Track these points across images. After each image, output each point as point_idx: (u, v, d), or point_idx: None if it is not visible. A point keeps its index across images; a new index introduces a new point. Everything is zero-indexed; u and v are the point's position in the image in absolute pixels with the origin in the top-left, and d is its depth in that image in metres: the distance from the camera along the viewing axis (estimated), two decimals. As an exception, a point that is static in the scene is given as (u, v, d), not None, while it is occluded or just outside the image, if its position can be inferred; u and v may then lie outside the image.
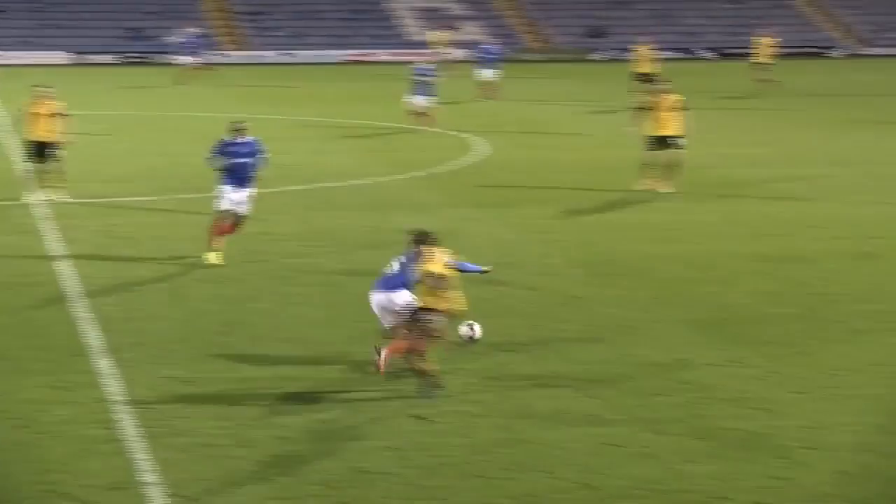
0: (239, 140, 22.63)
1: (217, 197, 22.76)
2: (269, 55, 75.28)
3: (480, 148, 38.22)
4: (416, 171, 33.61)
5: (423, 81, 41.69)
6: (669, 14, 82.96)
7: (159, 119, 46.06)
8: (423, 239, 16.28)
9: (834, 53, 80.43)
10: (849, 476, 13.51)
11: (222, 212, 22.59)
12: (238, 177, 22.47)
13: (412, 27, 79.44)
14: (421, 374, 15.85)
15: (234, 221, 22.70)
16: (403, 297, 16.38)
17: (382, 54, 74.47)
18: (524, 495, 13.04)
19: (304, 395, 15.57)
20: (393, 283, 16.50)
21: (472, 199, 29.40)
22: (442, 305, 15.91)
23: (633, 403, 15.66)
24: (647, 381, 16.52)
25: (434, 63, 44.62)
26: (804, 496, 13.05)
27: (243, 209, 22.69)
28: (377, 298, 16.57)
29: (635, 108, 30.05)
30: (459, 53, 70.73)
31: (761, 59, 55.22)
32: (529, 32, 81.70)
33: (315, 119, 45.30)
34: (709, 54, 78.84)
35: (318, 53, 75.54)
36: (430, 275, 15.88)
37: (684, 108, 29.66)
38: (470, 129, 42.23)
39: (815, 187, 31.33)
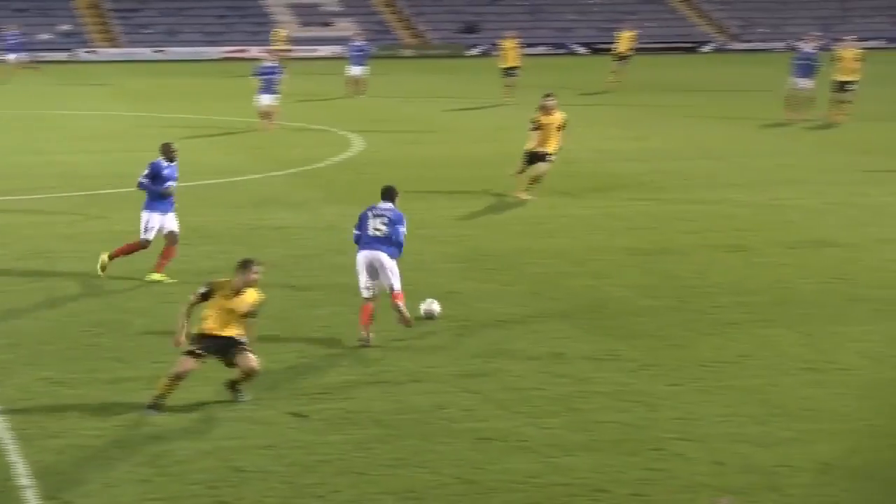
0: (173, 164, 21.91)
1: (146, 227, 21.51)
2: (143, 52, 74.44)
3: (356, 144, 38.16)
4: (291, 167, 33.46)
5: (269, 80, 41.11)
6: (543, 9, 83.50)
7: (28, 117, 45.31)
8: (247, 265, 15.67)
9: (706, 48, 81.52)
10: (724, 466, 13.71)
11: (148, 241, 21.54)
12: (168, 201, 21.68)
13: (288, 24, 79.06)
14: (239, 382, 15.54)
15: (171, 242, 21.65)
16: (394, 262, 18.08)
17: (258, 51, 73.95)
18: (404, 491, 13.05)
19: (181, 395, 15.40)
20: (384, 245, 18.06)
21: (348, 196, 29.33)
22: (250, 333, 15.54)
23: (510, 398, 15.74)
24: (524, 375, 16.63)
25: (278, 61, 44.15)
26: (680, 487, 13.22)
27: (174, 226, 21.77)
28: (366, 255, 18.08)
29: (531, 129, 29.27)
30: (331, 49, 70.59)
31: (620, 51, 55.78)
32: (405, 29, 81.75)
33: (190, 116, 44.89)
34: (582, 49, 79.48)
35: (193, 50, 74.86)
36: (253, 308, 15.51)
37: (565, 127, 29.20)
38: (345, 125, 42.15)
39: (688, 181, 31.74)
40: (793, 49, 52.26)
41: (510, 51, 50.59)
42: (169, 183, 21.55)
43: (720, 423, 14.97)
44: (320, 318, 19.12)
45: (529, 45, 67.44)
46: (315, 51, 74.53)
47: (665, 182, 31.53)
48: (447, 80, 61.08)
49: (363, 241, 18.30)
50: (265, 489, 13.09)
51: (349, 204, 28.16)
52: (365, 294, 18.08)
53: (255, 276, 15.53)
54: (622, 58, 55.51)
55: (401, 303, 18.05)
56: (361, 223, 18.44)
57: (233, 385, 15.51)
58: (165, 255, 21.58)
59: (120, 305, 19.91)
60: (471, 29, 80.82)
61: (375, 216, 18.42)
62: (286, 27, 69.81)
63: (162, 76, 63.09)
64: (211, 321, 15.39)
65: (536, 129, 28.92)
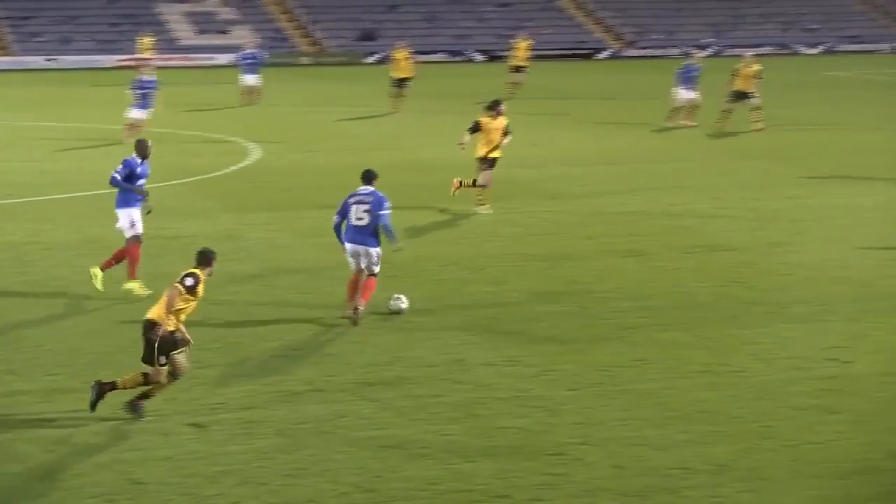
0: (146, 161, 21.51)
1: (131, 222, 21.19)
2: (35, 61, 73.52)
3: (254, 153, 37.98)
4: (188, 177, 33.22)
5: (145, 94, 40.22)
6: (440, 17, 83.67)
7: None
8: (213, 255, 15.82)
9: (601, 55, 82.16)
10: (622, 469, 13.84)
11: (138, 236, 21.21)
12: (141, 198, 21.39)
13: (183, 32, 78.56)
14: (148, 396, 15.38)
15: (136, 244, 21.30)
16: (378, 251, 19.35)
17: (153, 59, 73.45)
18: (304, 501, 13.03)
19: (76, 408, 15.24)
20: (367, 236, 19.26)
21: (246, 204, 29.22)
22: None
23: (410, 405, 15.77)
24: (425, 382, 16.65)
25: (153, 73, 43.18)
26: (580, 491, 13.32)
27: (141, 228, 21.49)
28: (353, 248, 19.35)
29: (469, 129, 28.98)
30: (228, 58, 70.22)
31: (517, 62, 55.87)
32: (302, 36, 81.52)
33: (83, 125, 44.40)
34: (479, 56, 79.76)
35: (86, 59, 74.05)
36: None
37: (507, 133, 28.69)
38: (243, 134, 41.93)
39: (585, 187, 31.96)
40: (687, 55, 52.88)
41: (402, 61, 50.34)
42: (141, 181, 21.28)
43: (619, 427, 15.11)
44: (218, 328, 19.01)
45: (426, 53, 67.72)
46: (212, 59, 74.12)
47: (563, 188, 31.73)
48: (345, 88, 60.99)
49: (348, 232, 19.43)
50: (164, 501, 12.99)
51: (247, 212, 28.10)
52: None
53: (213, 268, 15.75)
54: (518, 68, 55.59)
55: (369, 294, 19.38)
56: (343, 210, 19.50)
57: (137, 401, 15.29)
58: (118, 257, 21.13)
59: (12, 318, 19.64)
60: (368, 36, 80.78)
61: (357, 203, 19.48)
62: (152, 35, 69.12)
63: (55, 85, 62.32)
64: (174, 317, 15.17)
65: (474, 130, 28.45)
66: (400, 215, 28.01)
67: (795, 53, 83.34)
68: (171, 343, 15.09)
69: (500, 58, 74.09)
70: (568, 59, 78.14)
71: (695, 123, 43.31)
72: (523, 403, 15.88)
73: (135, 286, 20.93)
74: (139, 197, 21.31)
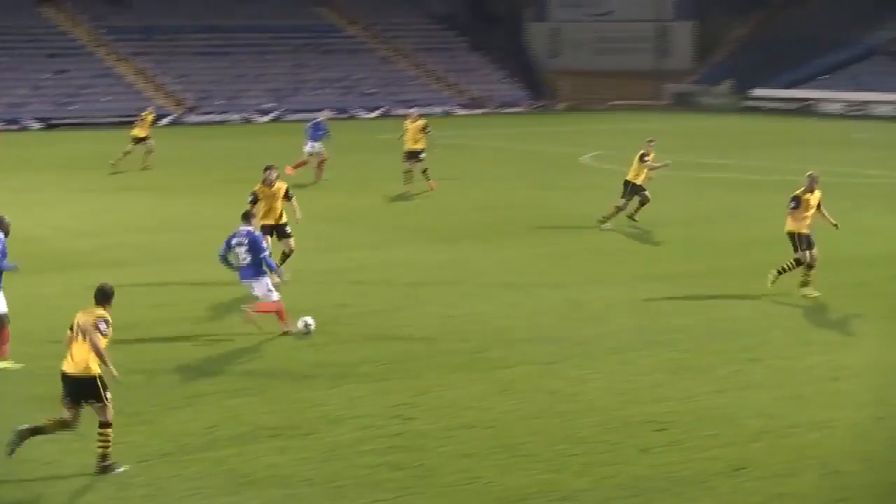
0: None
1: None
2: None
3: None
4: None
5: None
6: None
7: None
8: (109, 295, 16.95)
9: (163, 122, 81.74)
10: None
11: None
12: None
13: None
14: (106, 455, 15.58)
15: (2, 324, 20.24)
16: (264, 284, 22.17)
17: None
18: None
19: None
20: (251, 273, 22.15)
21: None
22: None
23: (-28, 489, 15.20)
24: (-13, 463, 16.10)
25: None
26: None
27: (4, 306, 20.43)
28: (246, 284, 22.40)
29: (251, 202, 27.79)
30: None
31: (140, 133, 54.77)
32: None
33: None
34: (37, 124, 77.87)
35: None
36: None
37: (289, 197, 27.87)
38: None
39: (151, 254, 31.64)
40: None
41: None
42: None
43: (190, 497, 15.05)
44: None
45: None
46: None
47: (128, 256, 31.31)
48: None
49: (239, 271, 22.44)
50: None
51: None
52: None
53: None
54: (140, 139, 54.40)
55: (259, 311, 22.18)
56: (228, 244, 22.35)
57: (104, 464, 15.44)
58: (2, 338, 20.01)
59: None
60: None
61: (238, 244, 22.08)
62: None
63: None
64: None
65: (255, 201, 27.38)
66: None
67: (354, 117, 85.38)
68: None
69: (59, 125, 72.67)
70: (128, 125, 77.28)
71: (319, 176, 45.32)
72: (90, 480, 15.56)
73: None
74: None
